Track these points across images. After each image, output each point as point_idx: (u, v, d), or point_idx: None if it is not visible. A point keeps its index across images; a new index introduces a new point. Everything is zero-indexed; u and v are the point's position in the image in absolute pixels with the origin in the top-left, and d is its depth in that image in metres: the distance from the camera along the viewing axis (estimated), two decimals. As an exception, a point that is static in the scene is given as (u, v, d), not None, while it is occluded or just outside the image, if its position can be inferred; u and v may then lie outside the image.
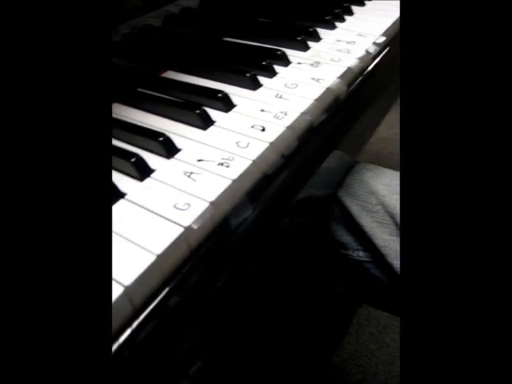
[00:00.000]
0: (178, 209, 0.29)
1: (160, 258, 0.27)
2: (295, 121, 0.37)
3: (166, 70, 0.46)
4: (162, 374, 0.30)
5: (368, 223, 0.49)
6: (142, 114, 0.40)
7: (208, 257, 0.30)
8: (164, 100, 0.39)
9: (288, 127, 0.36)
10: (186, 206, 0.29)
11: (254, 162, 0.33)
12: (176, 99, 0.39)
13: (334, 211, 0.51)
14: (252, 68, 0.44)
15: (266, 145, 0.34)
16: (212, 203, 0.30)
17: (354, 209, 0.50)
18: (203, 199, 0.30)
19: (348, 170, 0.53)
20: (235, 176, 0.32)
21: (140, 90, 0.42)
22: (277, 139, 0.35)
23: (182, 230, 0.28)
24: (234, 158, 0.33)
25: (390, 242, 0.47)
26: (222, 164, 0.33)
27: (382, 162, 1.38)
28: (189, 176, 0.32)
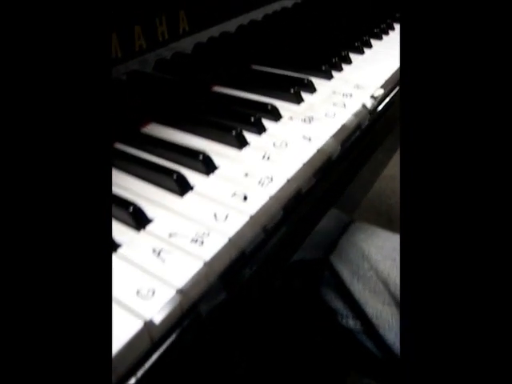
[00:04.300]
0: (142, 296, 0.26)
1: (118, 355, 0.24)
2: (281, 188, 0.34)
3: (149, 122, 0.44)
4: None
5: (359, 290, 0.45)
6: (115, 175, 0.37)
7: (173, 349, 0.26)
8: (139, 161, 0.36)
9: (272, 197, 0.33)
10: (151, 294, 0.26)
11: (230, 240, 0.30)
12: (152, 161, 0.36)
13: (324, 275, 0.48)
14: (240, 123, 0.42)
15: (246, 218, 0.31)
16: (180, 291, 0.27)
17: (346, 274, 0.46)
18: (170, 284, 0.27)
19: (342, 230, 0.50)
20: (208, 257, 0.28)
21: (118, 145, 0.39)
22: (259, 211, 0.32)
23: (142, 323, 0.25)
24: (209, 234, 0.30)
25: (382, 312, 0.44)
26: (195, 241, 0.30)
27: (384, 200, 1.35)
28: (158, 255, 0.29)
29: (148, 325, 0.25)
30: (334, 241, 0.50)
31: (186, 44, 0.56)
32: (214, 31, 0.61)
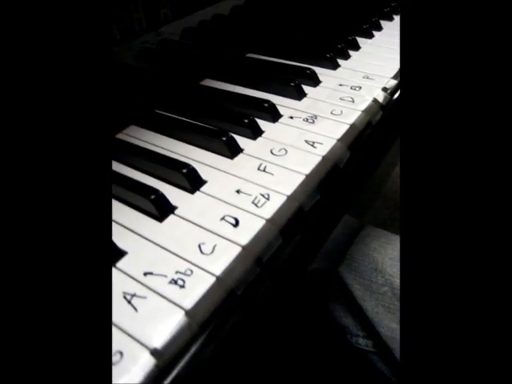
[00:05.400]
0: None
1: None
2: (279, 209, 0.29)
3: (126, 126, 0.38)
4: None
5: (372, 307, 0.40)
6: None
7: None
8: (117, 180, 0.31)
9: (269, 220, 0.28)
10: (118, 357, 0.21)
11: (217, 279, 0.25)
12: (128, 176, 0.31)
13: (333, 288, 0.43)
14: (231, 124, 0.36)
15: (238, 250, 0.26)
16: (155, 352, 0.22)
17: (357, 288, 0.41)
18: (143, 344, 0.22)
19: (351, 237, 0.44)
20: (189, 305, 0.23)
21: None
22: (253, 240, 0.27)
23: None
24: (192, 272, 0.25)
25: (398, 332, 0.39)
26: (175, 282, 0.25)
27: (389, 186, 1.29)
28: (129, 301, 0.24)
29: (113, 400, 0.20)
30: (343, 249, 0.44)
31: (171, 29, 0.50)
32: (206, 14, 0.55)
